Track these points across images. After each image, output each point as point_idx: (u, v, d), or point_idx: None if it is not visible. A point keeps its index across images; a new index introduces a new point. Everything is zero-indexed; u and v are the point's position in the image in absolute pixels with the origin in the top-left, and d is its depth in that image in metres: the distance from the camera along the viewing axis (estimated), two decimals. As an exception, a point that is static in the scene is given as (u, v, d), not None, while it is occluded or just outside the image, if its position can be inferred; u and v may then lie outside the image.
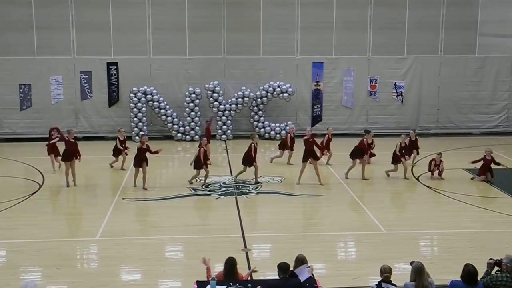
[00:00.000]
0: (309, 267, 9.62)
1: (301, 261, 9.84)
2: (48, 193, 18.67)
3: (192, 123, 25.73)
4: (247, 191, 18.54)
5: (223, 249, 13.22)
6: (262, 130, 26.09)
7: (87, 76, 25.94)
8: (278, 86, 25.97)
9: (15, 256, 13.53)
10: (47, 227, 15.39)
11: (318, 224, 16.24)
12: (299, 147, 19.80)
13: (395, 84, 26.97)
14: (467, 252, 13.55)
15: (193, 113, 25.75)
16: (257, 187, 18.87)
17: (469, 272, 8.73)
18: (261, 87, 26.02)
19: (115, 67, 25.86)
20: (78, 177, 19.12)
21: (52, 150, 20.59)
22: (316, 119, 26.69)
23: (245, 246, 13.91)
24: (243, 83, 26.12)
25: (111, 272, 12.65)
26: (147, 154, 18.80)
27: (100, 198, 18.32)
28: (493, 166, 19.64)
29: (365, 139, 19.85)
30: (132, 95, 25.52)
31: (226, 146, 24.93)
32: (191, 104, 25.74)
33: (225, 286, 9.44)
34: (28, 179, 19.96)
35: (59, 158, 19.93)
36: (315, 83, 26.65)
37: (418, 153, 21.37)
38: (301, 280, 9.29)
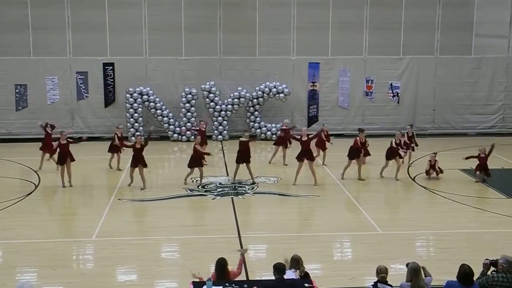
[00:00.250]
0: (297, 271, 9.64)
1: (296, 261, 9.86)
2: (44, 194, 18.63)
3: (188, 124, 25.72)
4: (243, 191, 18.54)
5: (219, 250, 13.20)
6: (258, 130, 26.09)
7: (83, 77, 25.91)
8: (274, 87, 25.98)
9: (11, 256, 13.51)
10: (43, 228, 15.38)
11: (314, 225, 16.25)
12: (296, 148, 19.78)
13: (391, 85, 27.00)
14: (463, 252, 13.57)
15: (189, 113, 25.74)
16: (253, 188, 18.89)
17: (465, 272, 8.74)
18: (257, 88, 26.01)
19: (111, 67, 25.83)
20: (74, 178, 19.08)
21: (47, 147, 20.50)
22: (312, 119, 26.70)
23: (241, 247, 13.90)
24: (239, 84, 26.12)
25: (107, 272, 12.64)
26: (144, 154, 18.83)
27: (96, 198, 18.31)
28: (489, 165, 19.66)
29: (358, 138, 19.86)
30: (128, 95, 25.50)
31: (222, 147, 24.92)
32: (187, 105, 25.72)
33: (221, 287, 9.46)
34: (24, 180, 19.92)
35: (49, 155, 20.01)
36: (311, 84, 26.67)
37: (414, 150, 21.30)
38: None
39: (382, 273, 9.11)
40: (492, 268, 9.23)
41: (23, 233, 14.86)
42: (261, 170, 20.74)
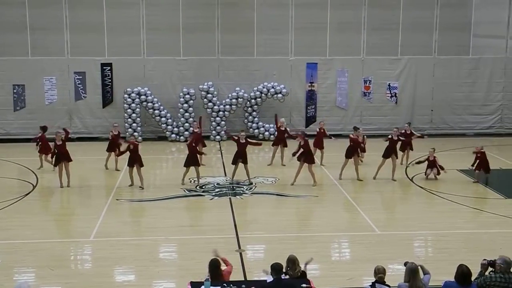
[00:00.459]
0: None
1: (292, 261, 9.85)
2: (41, 194, 18.62)
3: (186, 124, 25.70)
4: (241, 192, 18.54)
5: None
6: (256, 131, 26.09)
7: (81, 77, 25.88)
8: (272, 87, 25.98)
9: (8, 257, 13.48)
10: (41, 228, 15.36)
11: (312, 225, 16.25)
12: (295, 147, 19.76)
13: (389, 85, 27.01)
14: (461, 252, 13.58)
15: (187, 114, 25.72)
16: (251, 188, 18.89)
17: (463, 272, 8.74)
18: (255, 88, 26.02)
19: (109, 67, 25.80)
20: (72, 178, 19.05)
21: (45, 149, 20.52)
22: (310, 120, 26.69)
23: (239, 247, 13.91)
24: (237, 84, 26.12)
25: (105, 273, 12.63)
26: (141, 154, 18.83)
27: (94, 199, 18.31)
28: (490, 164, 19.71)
29: (352, 136, 19.89)
30: (126, 95, 25.48)
31: (220, 147, 24.90)
32: (185, 105, 25.71)
33: (219, 287, 9.44)
34: (21, 180, 19.90)
35: (48, 156, 20.00)
36: (309, 84, 26.67)
37: (412, 149, 21.30)
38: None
39: (380, 273, 9.13)
40: (490, 269, 9.24)
41: (20, 234, 14.83)
42: (259, 170, 20.74)
